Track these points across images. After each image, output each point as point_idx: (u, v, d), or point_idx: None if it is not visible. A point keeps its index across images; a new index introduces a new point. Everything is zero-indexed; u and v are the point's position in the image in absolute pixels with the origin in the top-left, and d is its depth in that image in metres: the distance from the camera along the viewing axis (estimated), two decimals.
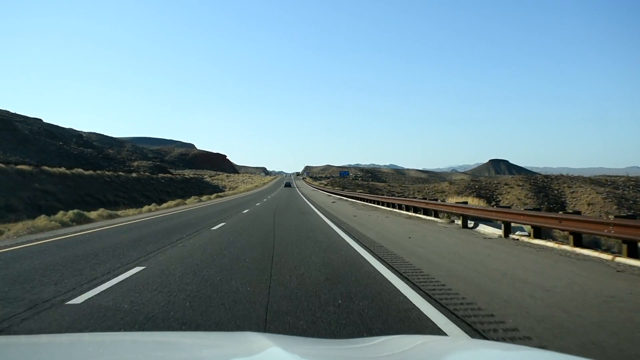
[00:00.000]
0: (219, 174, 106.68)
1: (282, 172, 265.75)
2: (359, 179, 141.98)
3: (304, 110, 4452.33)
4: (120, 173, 61.70)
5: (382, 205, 25.60)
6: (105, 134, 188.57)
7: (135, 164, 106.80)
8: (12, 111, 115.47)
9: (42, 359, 1.77)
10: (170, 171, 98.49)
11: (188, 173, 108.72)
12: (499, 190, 69.59)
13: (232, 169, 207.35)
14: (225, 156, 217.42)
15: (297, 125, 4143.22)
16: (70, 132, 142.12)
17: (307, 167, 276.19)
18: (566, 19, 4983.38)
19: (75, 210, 17.36)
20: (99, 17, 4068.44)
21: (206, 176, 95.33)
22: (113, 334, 3.45)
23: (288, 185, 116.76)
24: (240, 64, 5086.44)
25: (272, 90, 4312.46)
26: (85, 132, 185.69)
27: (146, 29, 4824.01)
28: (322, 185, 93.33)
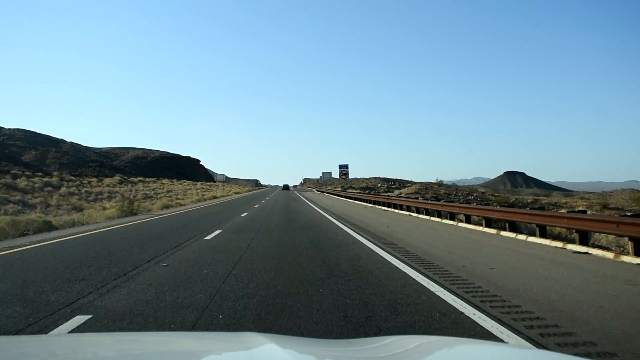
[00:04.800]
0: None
1: (277, 185, 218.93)
2: (385, 187, 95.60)
3: (300, 123, 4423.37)
4: None
5: None
6: (43, 132, 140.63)
7: None
8: None
9: (42, 359, 1.74)
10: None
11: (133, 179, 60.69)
12: None
13: (206, 176, 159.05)
14: (199, 161, 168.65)
15: (293, 139, 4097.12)
16: None
17: (305, 180, 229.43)
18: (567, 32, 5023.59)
19: None
20: (89, 24, 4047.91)
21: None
22: (113, 334, 3.39)
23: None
24: (238, 75, 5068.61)
25: (267, 104, 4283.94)
26: (9, 128, 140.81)
27: (144, 38, 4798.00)
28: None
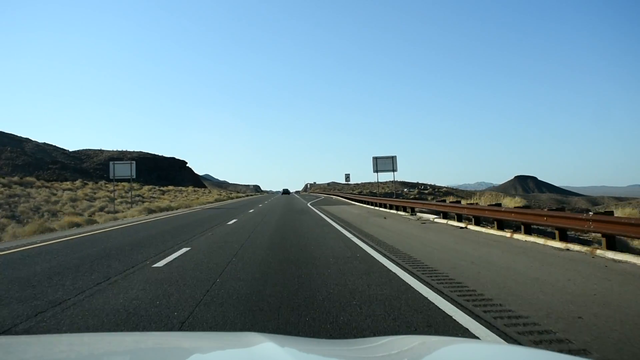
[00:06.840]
0: None
1: (278, 191, 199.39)
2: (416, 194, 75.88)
3: (301, 128, 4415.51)
4: None
5: None
6: (7, 132, 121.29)
7: None
8: None
9: (42, 359, 1.75)
10: None
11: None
12: None
13: (193, 180, 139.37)
14: (186, 163, 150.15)
15: (295, 145, 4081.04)
16: None
17: (311, 184, 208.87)
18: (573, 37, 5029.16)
19: None
20: (78, 25, 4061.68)
21: None
22: (113, 334, 3.34)
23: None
24: (239, 79, 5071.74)
25: (270, 110, 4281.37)
26: None
27: (146, 43, 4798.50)
28: None
